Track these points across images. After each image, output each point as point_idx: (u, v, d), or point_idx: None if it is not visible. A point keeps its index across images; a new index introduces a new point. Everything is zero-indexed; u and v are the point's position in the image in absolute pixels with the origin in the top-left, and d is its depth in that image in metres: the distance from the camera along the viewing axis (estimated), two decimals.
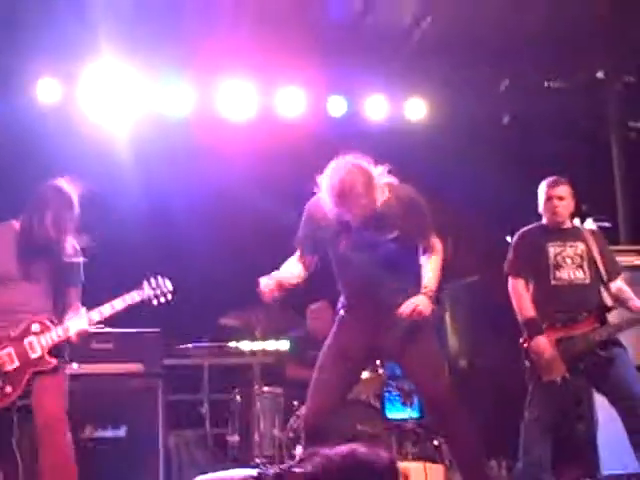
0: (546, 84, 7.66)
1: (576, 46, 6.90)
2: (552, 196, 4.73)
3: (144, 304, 4.34)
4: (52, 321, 4.16)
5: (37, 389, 4.07)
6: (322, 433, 3.91)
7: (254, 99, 6.99)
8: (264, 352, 6.12)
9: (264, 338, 5.92)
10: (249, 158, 6.69)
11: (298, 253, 4.12)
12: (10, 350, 4.05)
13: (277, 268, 4.06)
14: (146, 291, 4.32)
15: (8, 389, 4.04)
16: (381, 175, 3.88)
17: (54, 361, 4.12)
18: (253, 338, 5.87)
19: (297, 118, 7.09)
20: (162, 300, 4.37)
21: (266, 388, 5.82)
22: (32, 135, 6.31)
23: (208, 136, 6.72)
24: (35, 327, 4.13)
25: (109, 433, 5.10)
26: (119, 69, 6.53)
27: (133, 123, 6.73)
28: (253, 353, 6.06)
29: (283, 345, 6.14)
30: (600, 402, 4.92)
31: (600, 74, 7.14)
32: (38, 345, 4.09)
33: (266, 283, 3.91)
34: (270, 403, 5.88)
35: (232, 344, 6.16)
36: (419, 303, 3.84)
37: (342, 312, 4.11)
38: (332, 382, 3.97)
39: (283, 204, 6.37)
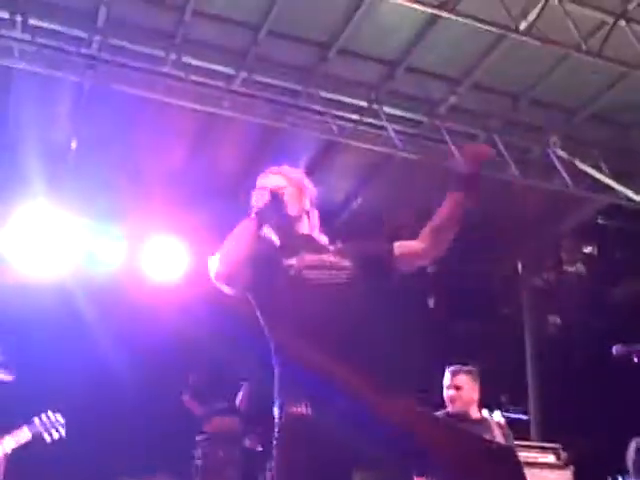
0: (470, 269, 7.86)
1: (501, 238, 7.17)
2: (449, 385, 4.86)
3: (36, 439, 4.18)
4: None
5: None
6: None
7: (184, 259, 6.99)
8: None
9: None
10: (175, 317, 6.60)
11: None
12: None
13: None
14: (37, 425, 4.17)
15: None
16: None
17: None
18: None
19: None
20: (55, 435, 4.24)
21: None
22: None
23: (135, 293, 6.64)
24: None
25: None
26: (50, 214, 6.48)
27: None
28: None
29: None
30: None
31: (519, 267, 7.40)
32: None
33: None
34: None
35: None
36: None
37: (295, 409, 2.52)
38: None
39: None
